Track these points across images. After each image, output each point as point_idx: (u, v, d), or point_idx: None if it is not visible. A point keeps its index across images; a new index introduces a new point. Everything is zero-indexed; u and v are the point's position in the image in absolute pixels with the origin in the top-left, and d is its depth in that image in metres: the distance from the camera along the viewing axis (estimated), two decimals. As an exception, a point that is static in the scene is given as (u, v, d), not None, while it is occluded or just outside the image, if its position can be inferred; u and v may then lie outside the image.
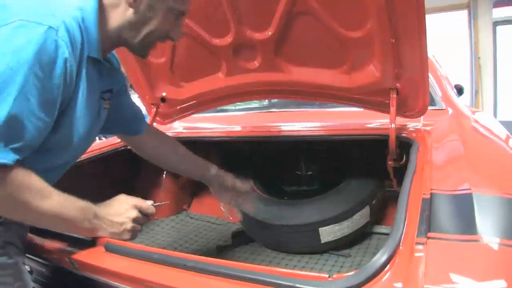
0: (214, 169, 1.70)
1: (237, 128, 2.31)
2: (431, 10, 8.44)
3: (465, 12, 8.61)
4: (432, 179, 1.10)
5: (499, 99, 8.60)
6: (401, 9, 1.36)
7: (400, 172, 1.47)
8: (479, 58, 8.47)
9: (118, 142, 2.27)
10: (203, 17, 1.70)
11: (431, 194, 1.00)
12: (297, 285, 0.79)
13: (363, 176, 1.89)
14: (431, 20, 8.38)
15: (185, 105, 2.13)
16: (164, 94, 2.08)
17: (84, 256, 1.13)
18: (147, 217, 1.27)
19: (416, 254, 0.79)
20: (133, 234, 1.23)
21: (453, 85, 3.26)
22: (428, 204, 0.95)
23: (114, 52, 1.35)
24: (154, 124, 2.14)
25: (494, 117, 8.17)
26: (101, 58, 1.16)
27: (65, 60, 0.97)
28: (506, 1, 8.25)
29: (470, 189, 0.98)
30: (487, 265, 0.75)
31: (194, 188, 2.65)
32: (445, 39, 8.70)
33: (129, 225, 1.21)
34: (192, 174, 1.74)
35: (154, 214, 1.29)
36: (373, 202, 1.84)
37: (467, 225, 0.85)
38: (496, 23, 8.41)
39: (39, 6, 0.99)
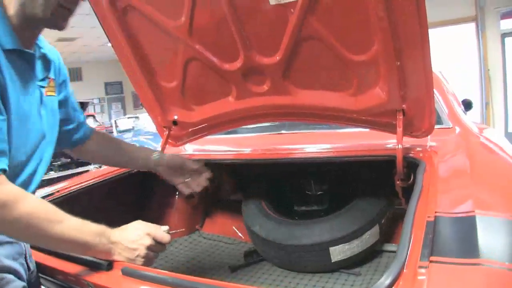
0: (157, 154, 1.83)
1: (248, 150, 2.35)
2: (439, 23, 8.53)
3: (473, 25, 8.67)
4: (437, 201, 1.13)
5: (510, 110, 8.59)
6: (404, 32, 1.40)
7: (408, 191, 1.50)
8: (489, 70, 8.54)
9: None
10: (212, 42, 1.76)
11: (435, 217, 1.03)
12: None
13: (372, 195, 1.91)
14: (439, 33, 8.47)
15: (196, 127, 2.18)
16: (175, 117, 2.13)
17: (101, 279, 1.17)
18: (163, 246, 1.30)
19: (419, 277, 0.83)
20: (147, 261, 1.25)
21: (462, 99, 3.30)
22: (432, 227, 0.99)
23: (50, 45, 1.42)
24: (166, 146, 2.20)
25: (506, 129, 8.17)
26: (20, 48, 1.18)
27: None
28: (514, 12, 8.30)
29: (473, 211, 1.01)
30: None
31: (207, 208, 2.70)
32: (454, 51, 8.76)
33: (142, 252, 1.24)
34: (138, 164, 1.87)
35: (169, 242, 1.31)
36: (382, 221, 1.87)
37: (470, 248, 0.88)
38: (504, 35, 8.50)
39: None
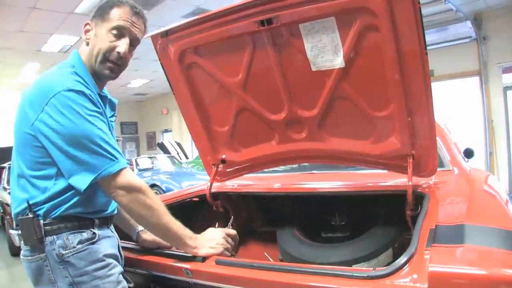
0: (136, 232, 1.95)
1: (286, 185, 2.78)
2: (446, 76, 9.02)
3: (477, 78, 9.14)
4: (438, 217, 1.57)
5: (514, 159, 8.93)
6: (414, 96, 1.84)
7: (416, 220, 1.92)
8: (492, 121, 8.91)
9: (182, 195, 2.77)
10: (263, 97, 2.19)
11: (436, 225, 1.47)
12: (355, 274, 1.27)
13: (386, 225, 2.29)
14: (446, 86, 8.96)
15: (241, 166, 2.59)
16: (224, 156, 2.54)
17: (199, 267, 1.63)
18: (232, 236, 1.82)
19: (425, 256, 1.27)
20: (226, 249, 1.74)
21: (465, 148, 3.72)
22: (434, 230, 1.43)
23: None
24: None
25: (509, 176, 8.53)
26: (100, 93, 1.65)
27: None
28: (515, 67, 8.77)
29: (463, 222, 1.46)
30: (461, 258, 1.24)
31: (241, 237, 3.08)
32: (460, 103, 9.22)
33: (220, 241, 1.73)
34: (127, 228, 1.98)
35: (235, 234, 1.84)
36: (395, 245, 2.25)
37: (457, 239, 1.33)
38: (506, 88, 8.92)
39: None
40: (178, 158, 12.82)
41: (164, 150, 13.58)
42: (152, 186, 9.81)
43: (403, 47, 1.74)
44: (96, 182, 1.48)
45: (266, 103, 2.21)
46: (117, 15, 1.63)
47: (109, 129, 1.63)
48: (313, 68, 1.96)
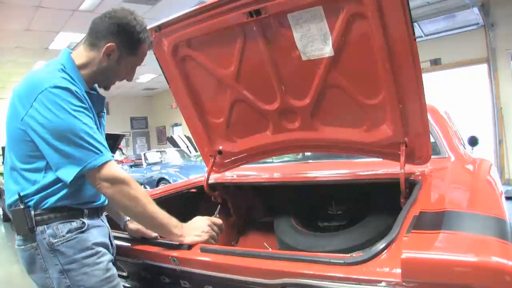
0: (123, 222, 1.97)
1: (282, 175, 2.80)
2: (454, 64, 8.95)
3: (485, 66, 9.03)
4: (424, 204, 1.57)
5: (523, 147, 8.82)
6: (405, 83, 1.84)
7: None
8: (501, 108, 8.80)
9: (179, 186, 2.79)
10: (255, 88, 2.21)
11: (420, 212, 1.47)
12: (332, 261, 1.28)
13: (382, 212, 2.29)
14: (454, 74, 8.86)
15: (237, 157, 2.61)
16: (221, 147, 2.57)
17: (184, 254, 1.66)
18: (218, 225, 1.83)
19: (403, 243, 1.26)
20: (211, 236, 1.77)
21: (469, 136, 3.69)
22: (416, 218, 1.43)
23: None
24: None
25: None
26: (88, 90, 1.67)
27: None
28: (524, 54, 8.65)
29: (447, 208, 1.45)
30: (436, 244, 1.22)
31: (242, 227, 3.11)
32: (468, 91, 9.13)
33: (206, 229, 1.76)
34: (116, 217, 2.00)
35: (221, 223, 1.85)
36: None
37: (435, 226, 1.31)
38: (515, 75, 8.75)
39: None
40: (187, 152, 12.86)
41: (174, 144, 13.62)
42: (161, 179, 9.88)
43: (391, 34, 1.74)
44: (83, 175, 1.52)
45: (259, 94, 2.23)
46: (143, 55, 1.76)
47: (97, 124, 1.67)
48: (303, 58, 1.96)
